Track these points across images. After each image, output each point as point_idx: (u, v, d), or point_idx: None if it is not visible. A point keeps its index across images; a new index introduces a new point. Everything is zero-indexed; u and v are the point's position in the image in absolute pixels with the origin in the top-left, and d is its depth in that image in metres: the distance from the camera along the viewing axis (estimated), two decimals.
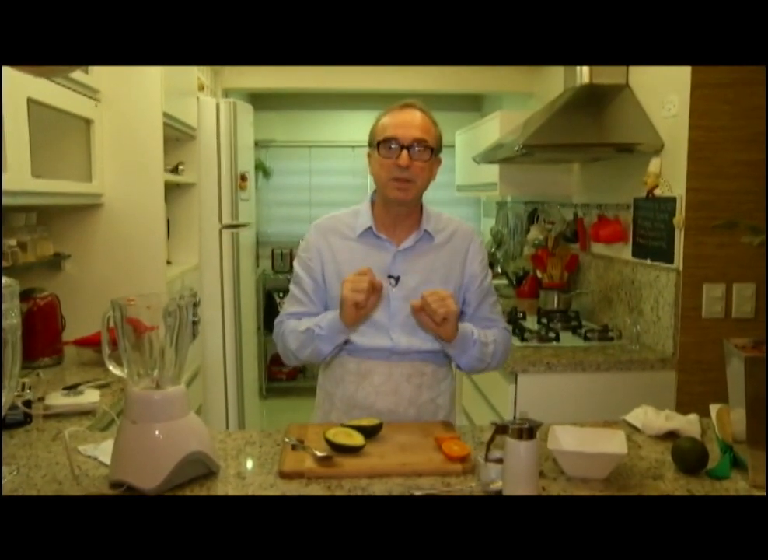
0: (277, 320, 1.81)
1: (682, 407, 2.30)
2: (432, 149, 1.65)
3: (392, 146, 1.62)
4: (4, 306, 1.26)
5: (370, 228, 1.71)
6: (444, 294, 1.54)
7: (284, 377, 5.28)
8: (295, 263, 1.80)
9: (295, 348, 1.70)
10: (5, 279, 1.27)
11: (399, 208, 1.69)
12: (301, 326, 1.69)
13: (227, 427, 3.36)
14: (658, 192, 2.49)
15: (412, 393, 1.68)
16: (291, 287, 1.79)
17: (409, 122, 1.63)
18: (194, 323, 2.98)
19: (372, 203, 1.75)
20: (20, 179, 1.83)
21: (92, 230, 2.52)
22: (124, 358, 1.31)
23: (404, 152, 1.60)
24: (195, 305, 2.94)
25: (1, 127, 1.71)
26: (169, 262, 3.00)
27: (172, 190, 3.07)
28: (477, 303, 1.76)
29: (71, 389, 1.83)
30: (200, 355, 3.22)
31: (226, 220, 3.32)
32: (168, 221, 3.01)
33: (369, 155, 1.71)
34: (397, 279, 1.69)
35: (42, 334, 2.17)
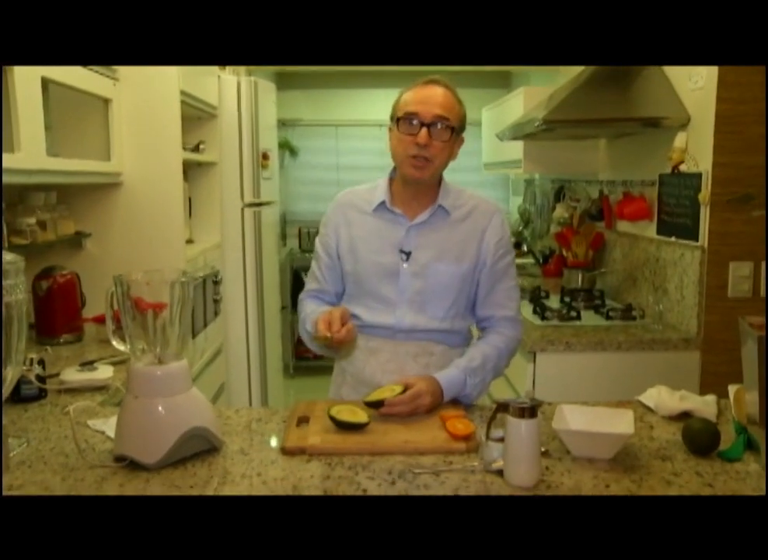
0: (300, 297, 1.83)
1: (706, 388, 2.22)
2: (453, 128, 1.60)
3: (413, 123, 1.58)
4: (9, 282, 1.27)
5: (384, 202, 1.69)
6: (408, 399, 1.49)
7: (312, 356, 5.31)
8: (316, 238, 1.81)
9: (308, 344, 1.75)
10: (10, 255, 1.29)
11: (416, 185, 1.67)
12: (307, 322, 1.70)
13: (250, 405, 3.38)
14: (683, 168, 2.42)
15: (419, 373, 1.63)
16: (312, 262, 1.82)
17: (431, 98, 1.58)
18: (216, 301, 3.01)
19: (391, 179, 1.73)
20: (35, 158, 1.85)
21: (112, 209, 2.54)
22: (127, 334, 1.32)
23: (424, 130, 1.56)
24: (217, 283, 2.97)
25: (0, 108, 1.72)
26: (191, 240, 3.02)
27: (193, 169, 3.08)
28: (490, 286, 1.70)
29: (87, 365, 1.86)
30: (223, 333, 3.24)
31: (248, 198, 3.31)
32: (190, 199, 3.03)
33: (390, 130, 1.67)
34: (408, 254, 1.67)
35: (62, 311, 2.20)
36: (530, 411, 1.22)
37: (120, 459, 1.27)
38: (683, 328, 2.42)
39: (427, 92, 1.59)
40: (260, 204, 3.41)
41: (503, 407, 1.26)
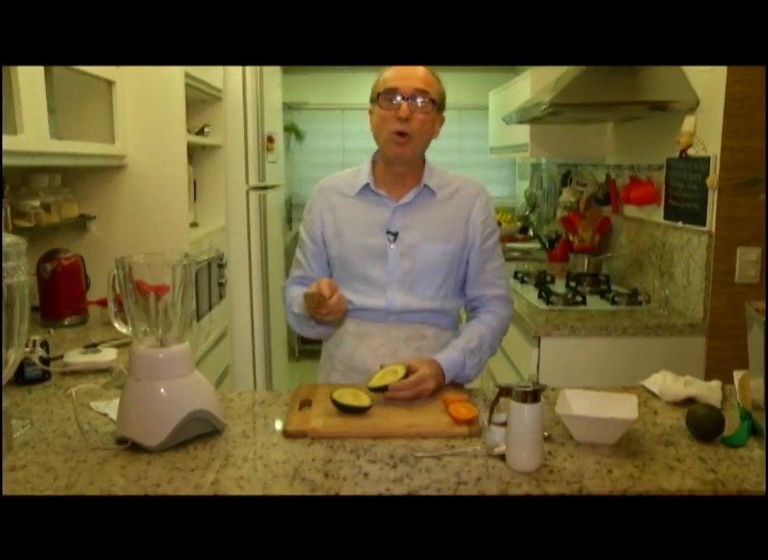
0: (283, 285, 1.83)
1: (711, 374, 2.22)
2: (434, 102, 1.61)
3: (393, 98, 1.58)
4: (10, 264, 1.27)
5: (368, 185, 1.68)
6: (413, 384, 1.48)
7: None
8: (300, 226, 1.79)
9: (295, 327, 1.75)
10: (11, 237, 1.28)
11: (399, 166, 1.66)
12: (294, 305, 1.69)
13: (254, 388, 3.38)
14: (691, 152, 2.39)
15: (411, 357, 1.63)
16: (296, 250, 1.80)
17: (410, 74, 1.60)
18: (221, 284, 3.01)
19: (374, 162, 1.73)
20: (38, 140, 1.84)
21: (117, 192, 2.53)
22: (129, 316, 1.32)
23: (404, 104, 1.57)
24: (222, 266, 2.96)
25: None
26: (196, 224, 3.01)
27: (198, 152, 3.07)
28: (480, 265, 1.71)
29: (91, 347, 1.86)
30: (228, 316, 3.24)
31: (253, 182, 3.28)
32: (194, 182, 3.02)
33: (370, 112, 1.67)
34: (395, 235, 1.66)
35: (66, 294, 2.21)
36: (533, 395, 1.21)
37: (122, 441, 1.27)
38: (689, 314, 2.41)
39: (406, 69, 1.61)
40: (265, 188, 3.39)
41: (506, 391, 1.25)
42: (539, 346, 2.32)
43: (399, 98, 1.58)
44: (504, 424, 1.27)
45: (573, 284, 2.86)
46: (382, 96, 1.60)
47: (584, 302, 2.57)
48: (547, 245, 3.72)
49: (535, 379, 1.27)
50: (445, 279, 1.69)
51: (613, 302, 2.57)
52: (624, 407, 1.37)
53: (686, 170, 2.42)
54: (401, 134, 1.58)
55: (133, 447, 1.26)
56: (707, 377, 2.15)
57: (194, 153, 3.03)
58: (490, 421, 1.29)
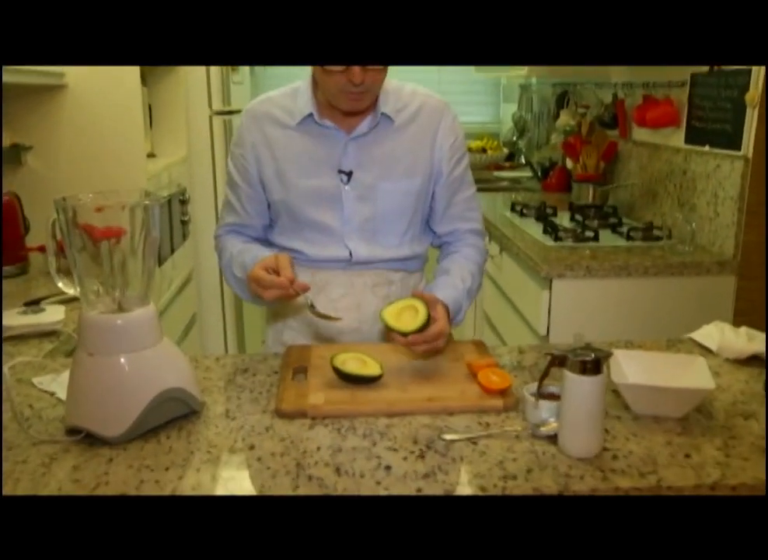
0: (215, 234, 1.55)
1: (742, 318, 2.03)
2: None
3: None
4: None
5: (311, 115, 1.40)
6: (430, 338, 1.23)
7: None
8: (229, 160, 1.50)
9: (235, 289, 1.49)
10: None
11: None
12: (235, 266, 1.42)
13: (224, 339, 3.18)
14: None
15: (378, 307, 1.38)
16: (227, 191, 1.51)
17: None
18: (184, 222, 2.70)
19: (315, 82, 1.41)
20: None
21: (57, 117, 2.22)
22: (75, 273, 1.04)
23: (356, 68, 1.26)
24: (184, 202, 2.65)
25: None
26: (153, 154, 2.74)
27: (153, 72, 2.75)
28: (449, 198, 1.49)
29: (32, 306, 1.56)
30: (193, 259, 2.99)
31: (217, 106, 2.99)
32: (150, 107, 2.72)
33: None
34: (349, 175, 1.41)
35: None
36: (594, 365, 0.99)
37: (73, 431, 1.02)
38: (716, 250, 2.17)
39: None
40: (230, 113, 3.10)
41: (559, 360, 1.02)
42: (550, 288, 2.08)
43: None
44: (551, 396, 1.06)
45: (579, 217, 2.60)
46: None
47: (596, 237, 2.32)
48: (540, 173, 3.45)
49: (582, 339, 1.02)
50: (410, 222, 1.47)
51: (628, 238, 2.33)
52: (693, 373, 1.15)
53: (717, 86, 2.14)
54: (356, 93, 1.31)
55: (88, 439, 1.01)
56: (736, 321, 1.95)
57: (148, 73, 2.71)
58: (539, 395, 1.05)
